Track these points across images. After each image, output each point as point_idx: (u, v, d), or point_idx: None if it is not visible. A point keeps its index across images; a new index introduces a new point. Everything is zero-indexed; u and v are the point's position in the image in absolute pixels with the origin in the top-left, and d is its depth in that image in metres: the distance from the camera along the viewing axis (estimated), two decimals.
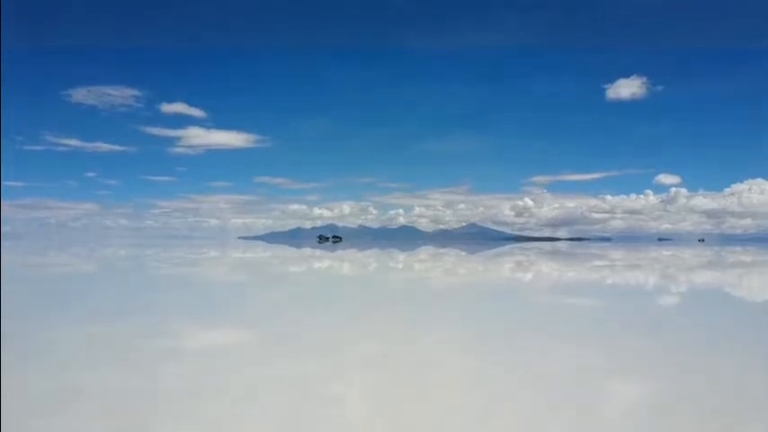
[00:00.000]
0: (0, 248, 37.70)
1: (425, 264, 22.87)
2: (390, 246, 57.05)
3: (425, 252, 37.16)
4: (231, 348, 5.25)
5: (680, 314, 8.69)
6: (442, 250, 41.77)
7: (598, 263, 24.04)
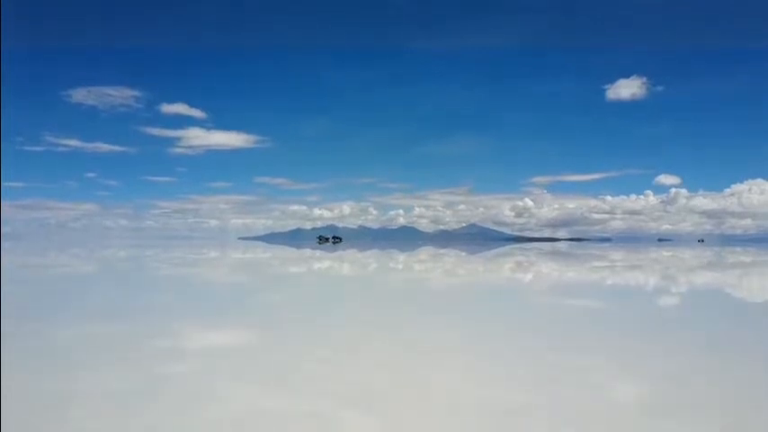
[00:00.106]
0: (0, 249, 37.71)
1: (425, 264, 22.87)
2: (390, 246, 57.07)
3: (425, 253, 37.17)
4: (231, 349, 5.25)
5: (680, 315, 8.69)
6: (442, 251, 41.78)
7: (598, 263, 24.03)
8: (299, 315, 7.73)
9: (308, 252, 38.64)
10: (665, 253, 38.60)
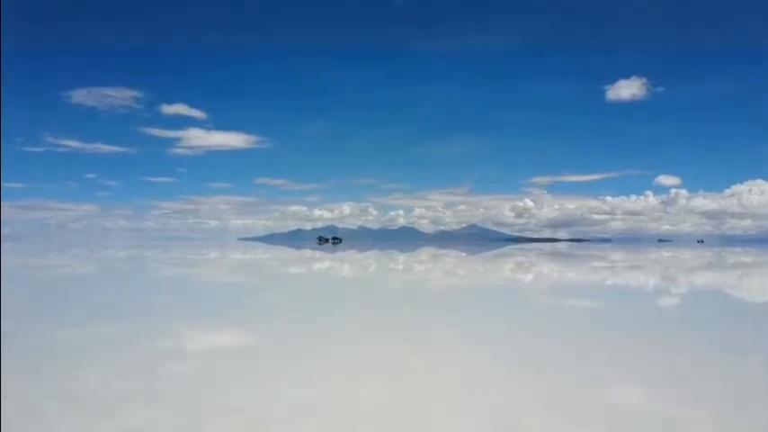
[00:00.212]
0: (0, 249, 37.71)
1: (425, 265, 22.87)
2: (390, 247, 57.06)
3: (425, 253, 37.15)
4: (231, 349, 5.25)
5: (680, 315, 8.69)
6: (443, 251, 41.77)
7: (598, 264, 24.03)
8: (299, 316, 7.73)
9: (308, 253, 38.64)
10: (665, 253, 38.60)
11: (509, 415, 3.34)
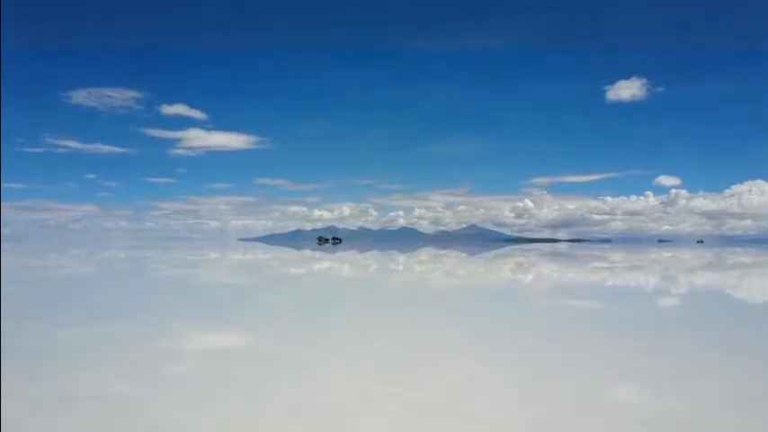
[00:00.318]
0: (0, 250, 37.71)
1: (426, 265, 22.86)
2: (390, 247, 57.04)
3: (425, 254, 37.15)
4: (231, 350, 5.26)
5: (680, 315, 8.69)
6: (443, 252, 41.77)
7: (598, 264, 24.04)
8: (299, 316, 7.74)
9: (307, 253, 38.64)
10: (665, 254, 38.60)
11: (509, 415, 3.34)
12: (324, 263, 24.90)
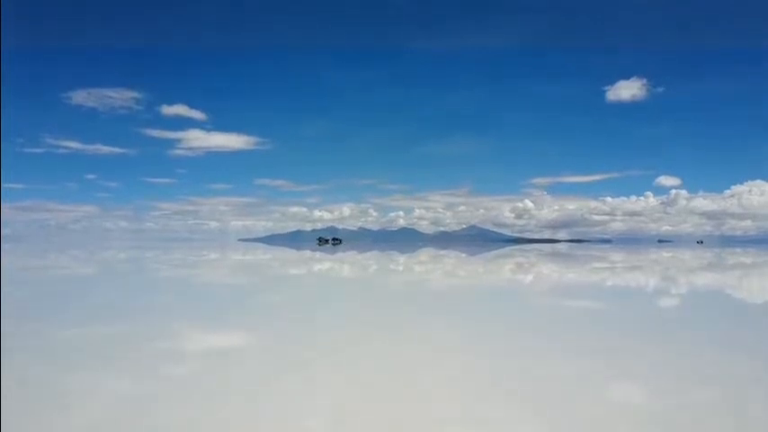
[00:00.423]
0: (0, 250, 37.70)
1: (426, 266, 22.86)
2: (390, 248, 57.03)
3: (425, 254, 37.14)
4: (231, 350, 5.26)
5: (680, 316, 8.69)
6: (443, 252, 41.76)
7: (598, 265, 24.03)
8: (299, 316, 7.74)
9: (308, 254, 38.63)
10: (665, 254, 38.60)
11: (510, 415, 3.34)
12: (324, 263, 24.90)
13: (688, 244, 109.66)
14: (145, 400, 3.59)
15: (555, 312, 8.32)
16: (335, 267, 21.70)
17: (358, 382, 4.05)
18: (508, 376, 4.27)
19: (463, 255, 36.91)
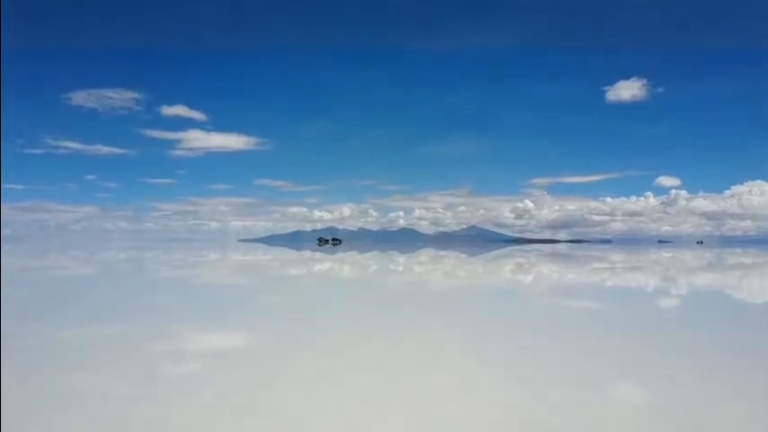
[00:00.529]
0: (0, 251, 37.70)
1: (426, 266, 22.86)
2: (390, 248, 57.01)
3: (425, 254, 37.14)
4: (231, 351, 5.26)
5: (680, 316, 8.69)
6: (443, 252, 41.76)
7: (598, 265, 24.03)
8: (300, 317, 7.74)
9: (308, 254, 38.63)
10: (665, 254, 38.60)
11: (510, 415, 3.34)
12: (324, 264, 24.91)
13: (688, 244, 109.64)
14: (145, 400, 3.59)
15: (555, 313, 8.32)
16: (335, 268, 21.70)
17: (358, 383, 4.05)
18: (508, 376, 4.27)
19: (463, 255, 36.91)
